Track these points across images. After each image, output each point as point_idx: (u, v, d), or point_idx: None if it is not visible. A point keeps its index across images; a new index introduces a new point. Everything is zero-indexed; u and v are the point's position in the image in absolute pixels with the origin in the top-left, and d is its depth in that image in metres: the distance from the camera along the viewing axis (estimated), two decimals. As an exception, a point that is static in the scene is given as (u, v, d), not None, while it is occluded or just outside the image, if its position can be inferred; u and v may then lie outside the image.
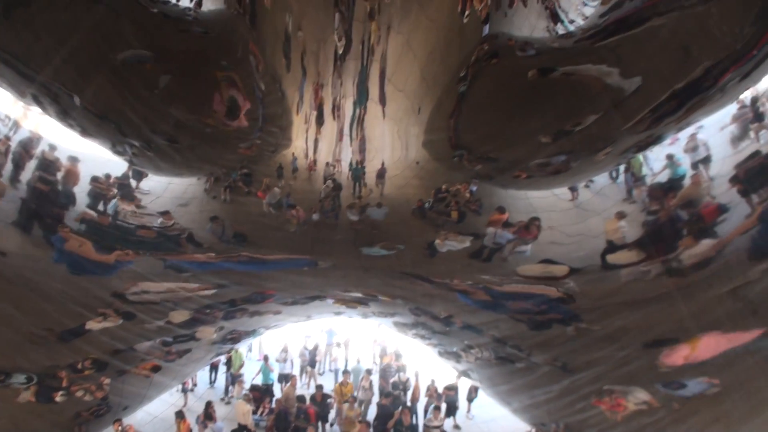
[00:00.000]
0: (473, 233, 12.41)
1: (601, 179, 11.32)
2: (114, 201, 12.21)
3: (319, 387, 21.38)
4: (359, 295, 16.85)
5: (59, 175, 11.60)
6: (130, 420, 18.89)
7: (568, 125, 10.26)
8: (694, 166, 10.01)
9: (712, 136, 9.83)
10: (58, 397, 15.01)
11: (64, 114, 10.91)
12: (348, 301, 18.09)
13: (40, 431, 15.86)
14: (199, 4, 10.01)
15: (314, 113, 11.29)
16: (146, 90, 10.38)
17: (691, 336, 11.01)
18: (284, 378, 23.76)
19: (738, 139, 9.58)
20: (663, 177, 10.48)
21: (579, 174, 11.41)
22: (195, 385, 24.59)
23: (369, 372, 23.36)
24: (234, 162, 12.30)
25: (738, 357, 10.60)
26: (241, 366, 24.73)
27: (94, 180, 11.87)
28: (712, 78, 8.79)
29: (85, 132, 11.33)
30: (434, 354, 23.27)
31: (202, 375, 25.15)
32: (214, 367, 25.40)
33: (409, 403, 22.09)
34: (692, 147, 10.03)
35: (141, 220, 12.54)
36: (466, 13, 9.30)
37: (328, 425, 21.06)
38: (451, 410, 21.82)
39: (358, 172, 12.20)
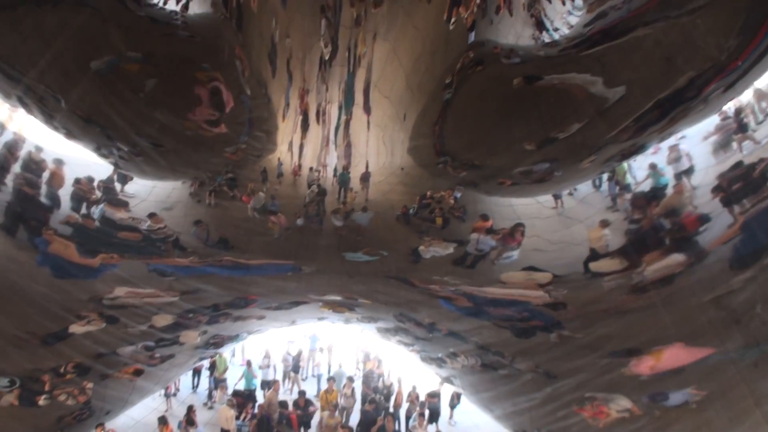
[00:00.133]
0: (457, 240, 12.43)
1: (585, 187, 11.38)
2: (101, 205, 12.16)
3: (302, 393, 21.33)
4: (342, 299, 16.82)
5: (44, 178, 11.54)
6: (112, 424, 18.80)
7: (552, 133, 10.30)
8: (677, 176, 10.07)
9: (695, 146, 9.91)
10: (41, 401, 14.89)
11: (50, 116, 10.86)
12: (335, 305, 18.06)
13: (23, 435, 15.75)
14: (185, 7, 10.01)
15: (300, 118, 11.29)
16: (132, 93, 10.34)
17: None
18: (267, 385, 23.69)
19: (721, 149, 9.65)
20: (646, 186, 10.54)
21: (563, 182, 11.46)
22: (178, 390, 24.45)
23: (351, 379, 23.33)
24: (219, 166, 12.27)
25: (720, 366, 10.64)
26: (225, 370, 24.62)
27: (77, 182, 11.81)
28: (696, 88, 8.84)
29: (70, 134, 11.29)
30: (417, 360, 23.24)
31: (185, 380, 25.01)
32: (196, 372, 25.28)
33: (392, 409, 22.06)
34: (675, 158, 10.10)
35: (127, 222, 12.50)
36: (452, 20, 9.34)
37: (310, 431, 21.00)
38: (434, 417, 21.83)
39: (344, 177, 12.20)
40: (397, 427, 20.83)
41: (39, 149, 11.22)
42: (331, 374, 25.74)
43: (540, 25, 10.02)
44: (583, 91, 9.65)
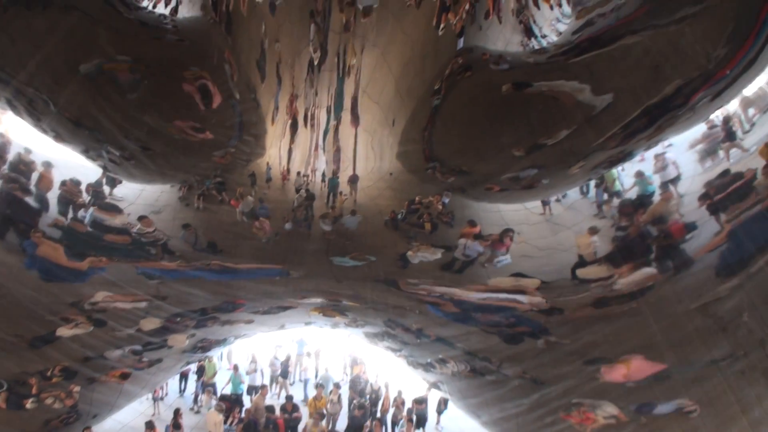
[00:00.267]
0: (445, 245, 12.43)
1: (573, 194, 11.41)
2: (91, 210, 12.14)
3: (289, 398, 21.26)
4: (331, 303, 16.79)
5: (33, 180, 11.50)
6: (99, 428, 18.67)
7: (540, 139, 10.34)
8: (664, 185, 10.11)
9: (682, 154, 9.94)
10: (29, 404, 14.80)
11: (39, 119, 10.83)
12: (325, 308, 18.04)
13: (9, 439, 15.68)
14: (175, 11, 10.02)
15: (289, 122, 11.30)
16: (120, 96, 10.33)
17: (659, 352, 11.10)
18: (254, 389, 23.62)
19: (708, 157, 9.69)
20: (633, 193, 10.58)
21: (551, 188, 11.50)
22: (166, 394, 24.34)
23: (338, 386, 23.25)
24: (208, 170, 12.26)
25: (706, 374, 10.66)
26: (214, 375, 24.50)
27: (62, 185, 11.78)
28: (683, 96, 8.89)
29: (59, 137, 11.28)
30: (404, 365, 23.22)
31: (173, 384, 24.89)
32: (184, 376, 25.14)
33: (379, 414, 22.02)
34: (661, 167, 10.14)
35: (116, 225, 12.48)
36: (441, 26, 9.38)
37: (297, 436, 20.93)
38: (421, 422, 21.78)
39: (334, 182, 12.21)
40: (384, 432, 20.79)
41: (28, 151, 11.17)
42: (318, 379, 25.68)
43: (529, 32, 10.07)
44: (571, 98, 9.69)
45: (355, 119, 11.05)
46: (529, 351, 13.32)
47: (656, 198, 10.26)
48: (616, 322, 11.32)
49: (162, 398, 23.40)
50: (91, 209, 12.16)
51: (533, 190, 11.52)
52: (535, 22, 10.03)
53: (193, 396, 24.29)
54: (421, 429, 21.73)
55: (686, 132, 9.83)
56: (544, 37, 10.05)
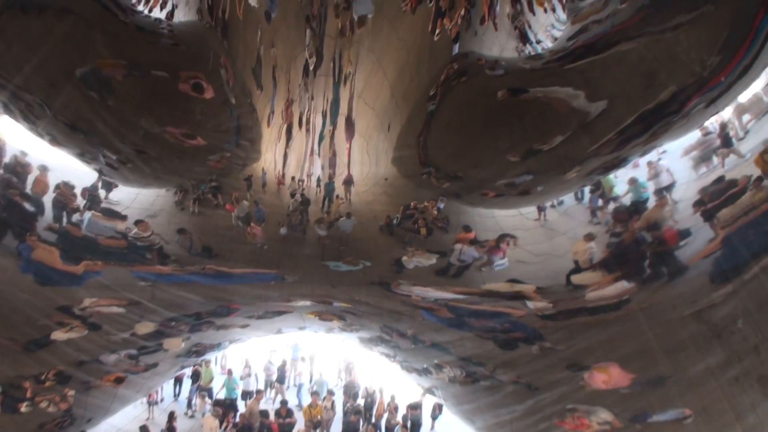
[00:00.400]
0: (440, 251, 12.43)
1: (568, 200, 11.41)
2: (87, 214, 12.13)
3: (284, 402, 21.24)
4: (325, 308, 16.78)
5: (29, 184, 11.48)
6: (93, 433, 18.70)
7: (535, 145, 10.34)
8: (658, 192, 10.11)
9: (676, 160, 9.94)
10: (23, 408, 14.76)
11: (34, 123, 10.82)
12: (321, 313, 18.00)
13: (3, 443, 15.63)
14: (171, 15, 10.02)
15: (284, 127, 11.31)
16: (116, 100, 10.33)
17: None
18: (247, 395, 23.60)
19: (702, 164, 9.70)
20: (627, 200, 10.59)
21: (546, 194, 11.50)
22: (162, 399, 24.31)
23: (331, 392, 23.25)
24: (203, 174, 12.26)
25: (701, 380, 10.65)
26: (211, 380, 24.47)
27: (56, 188, 11.76)
28: (678, 103, 8.89)
29: (54, 141, 11.26)
30: (398, 370, 23.20)
31: (168, 388, 24.86)
32: (178, 381, 25.10)
33: (373, 419, 22.01)
34: (654, 174, 10.14)
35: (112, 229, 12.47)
36: (437, 31, 9.39)
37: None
38: (415, 428, 21.73)
39: (330, 187, 12.22)
40: (377, 438, 20.79)
41: (24, 154, 11.16)
42: (313, 383, 25.66)
43: (524, 38, 10.08)
44: (566, 104, 9.70)
45: (351, 124, 11.06)
46: (524, 357, 13.31)
47: (651, 204, 10.26)
48: (611, 329, 11.32)
49: (157, 402, 23.35)
50: (89, 214, 12.15)
51: (528, 195, 11.53)
52: (530, 27, 10.05)
53: (187, 400, 24.25)
54: (415, 434, 21.70)
55: (681, 138, 9.83)
56: (539, 42, 10.07)
